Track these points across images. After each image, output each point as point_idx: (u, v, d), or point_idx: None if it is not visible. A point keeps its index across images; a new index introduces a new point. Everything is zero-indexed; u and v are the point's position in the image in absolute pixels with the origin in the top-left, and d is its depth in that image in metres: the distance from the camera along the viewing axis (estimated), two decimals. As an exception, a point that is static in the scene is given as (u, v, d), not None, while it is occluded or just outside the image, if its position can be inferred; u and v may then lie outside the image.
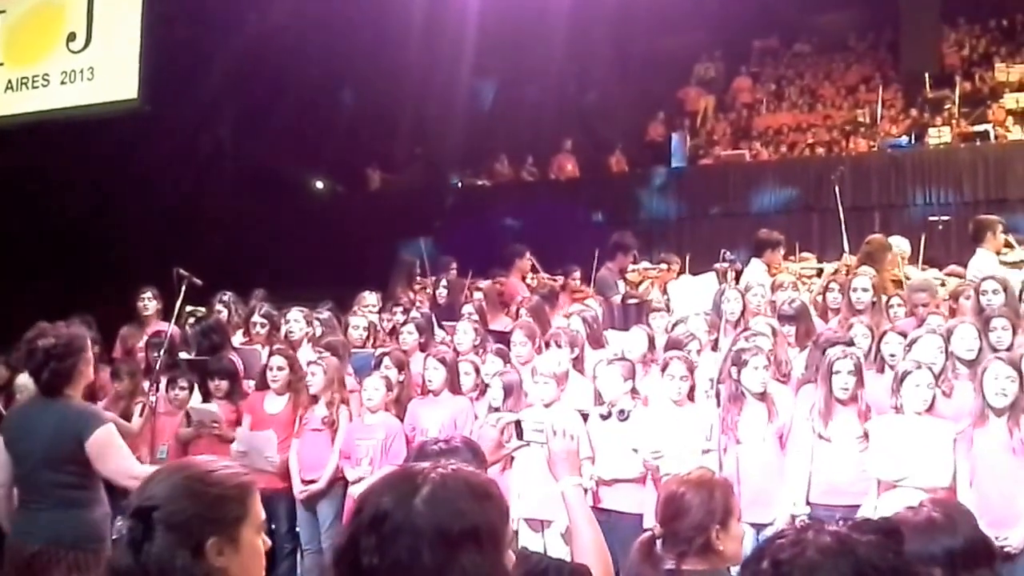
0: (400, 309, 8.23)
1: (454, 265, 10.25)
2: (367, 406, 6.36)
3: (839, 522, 1.61)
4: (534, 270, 10.33)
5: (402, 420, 6.44)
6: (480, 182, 16.79)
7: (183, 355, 7.27)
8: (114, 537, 2.01)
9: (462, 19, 13.79)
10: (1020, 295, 6.63)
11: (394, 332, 7.78)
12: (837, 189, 10.24)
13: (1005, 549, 4.90)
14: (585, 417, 6.01)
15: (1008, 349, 5.66)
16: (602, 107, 16.72)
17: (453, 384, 6.52)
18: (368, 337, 7.69)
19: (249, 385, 7.02)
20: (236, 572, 1.98)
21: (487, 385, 6.40)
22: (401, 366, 6.73)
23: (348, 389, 6.70)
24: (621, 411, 5.90)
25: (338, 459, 6.40)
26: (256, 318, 7.71)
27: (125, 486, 4.00)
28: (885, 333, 6.20)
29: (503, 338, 7.19)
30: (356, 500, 1.74)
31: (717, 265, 7.83)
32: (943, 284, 8.62)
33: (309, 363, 6.63)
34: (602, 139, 16.80)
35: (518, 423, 3.09)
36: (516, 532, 5.81)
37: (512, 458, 5.69)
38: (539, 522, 5.84)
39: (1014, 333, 5.92)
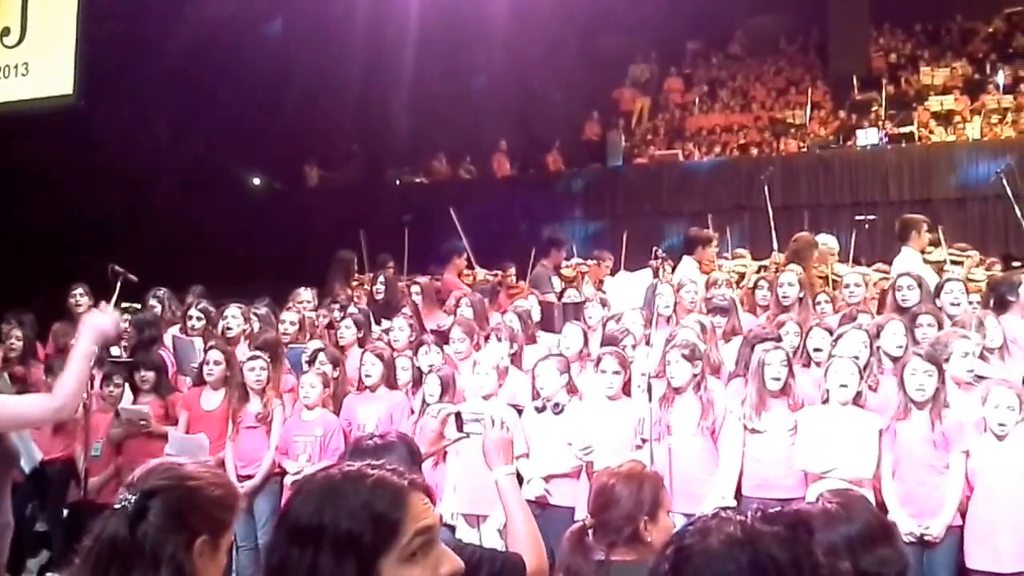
0: (337, 305, 8.23)
1: (391, 262, 10.26)
2: (304, 402, 6.35)
3: (753, 512, 1.60)
4: (470, 267, 10.38)
5: (338, 415, 6.44)
6: (418, 180, 16.80)
7: (114, 352, 7.19)
8: (115, 506, 2.03)
9: (403, 18, 13.79)
10: (938, 292, 6.85)
11: (331, 327, 7.79)
12: (767, 189, 10.47)
13: (927, 538, 5.08)
14: (520, 412, 6.05)
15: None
16: (539, 107, 16.82)
17: (390, 379, 6.54)
18: (299, 332, 7.68)
19: (184, 380, 6.97)
20: None
21: (423, 380, 6.42)
22: (336, 362, 6.74)
23: (289, 387, 6.69)
24: (556, 405, 5.93)
25: (275, 455, 6.40)
26: (193, 311, 7.71)
27: (28, 421, 3.95)
28: (811, 329, 6.33)
29: (440, 335, 7.23)
30: (283, 505, 1.74)
31: (652, 262, 7.96)
32: (868, 281, 8.87)
33: (246, 359, 6.61)
34: (539, 138, 16.93)
35: (458, 415, 3.13)
36: (453, 527, 5.85)
37: (446, 453, 5.73)
38: (475, 517, 5.87)
39: (939, 329, 6.10)
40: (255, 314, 7.73)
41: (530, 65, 16.31)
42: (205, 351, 6.89)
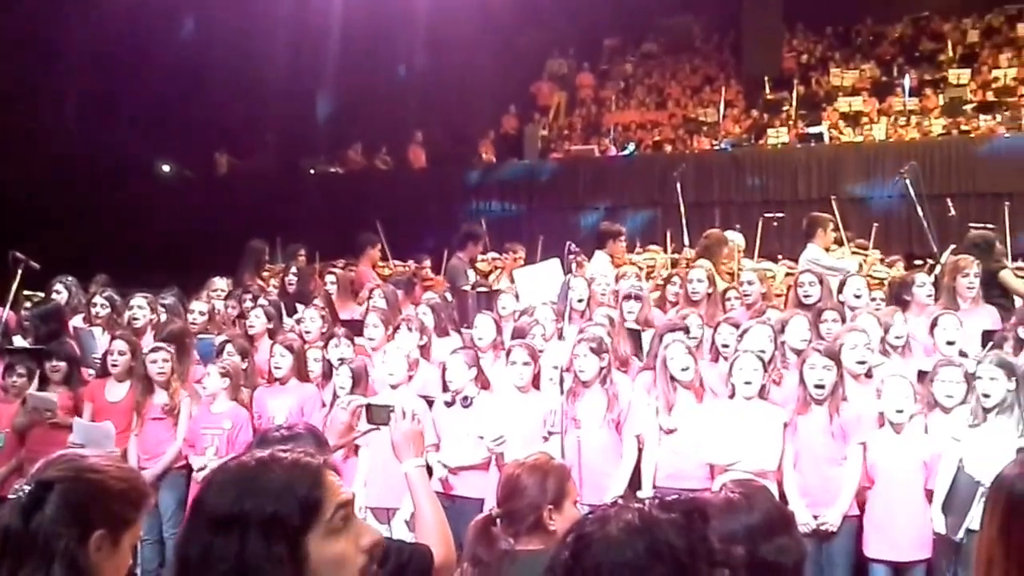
0: (249, 296, 8.09)
1: (303, 252, 10.14)
2: (209, 394, 6.24)
3: (652, 500, 1.64)
4: (384, 258, 10.32)
5: (248, 408, 6.35)
6: (333, 170, 16.63)
7: (18, 341, 6.96)
8: (10, 496, 1.97)
9: (323, 8, 13.63)
10: (840, 288, 7.04)
11: (241, 318, 7.66)
12: (679, 185, 10.62)
13: (824, 527, 5.22)
14: (430, 404, 6.05)
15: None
16: (458, 99, 16.80)
17: (300, 372, 6.46)
18: (209, 322, 7.53)
19: (88, 372, 6.78)
20: (106, 573, 1.96)
21: (335, 373, 6.36)
22: (245, 353, 6.64)
23: (192, 376, 6.56)
24: (465, 398, 5.95)
25: (182, 448, 6.28)
26: (97, 299, 7.50)
27: None
28: (719, 324, 6.46)
29: (353, 325, 7.17)
30: (196, 497, 1.74)
31: (569, 256, 8.00)
32: (774, 277, 9.08)
33: (149, 350, 6.46)
34: (457, 131, 16.91)
35: (369, 407, 3.12)
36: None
37: (356, 446, 5.72)
38: (384, 510, 5.85)
39: (842, 324, 6.27)
40: (162, 304, 7.56)
41: (449, 57, 16.28)
42: (110, 341, 6.71)
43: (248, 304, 7.74)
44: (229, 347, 6.63)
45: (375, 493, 5.84)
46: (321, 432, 3.15)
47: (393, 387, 6.03)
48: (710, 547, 1.60)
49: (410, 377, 6.16)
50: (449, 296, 8.15)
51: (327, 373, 6.54)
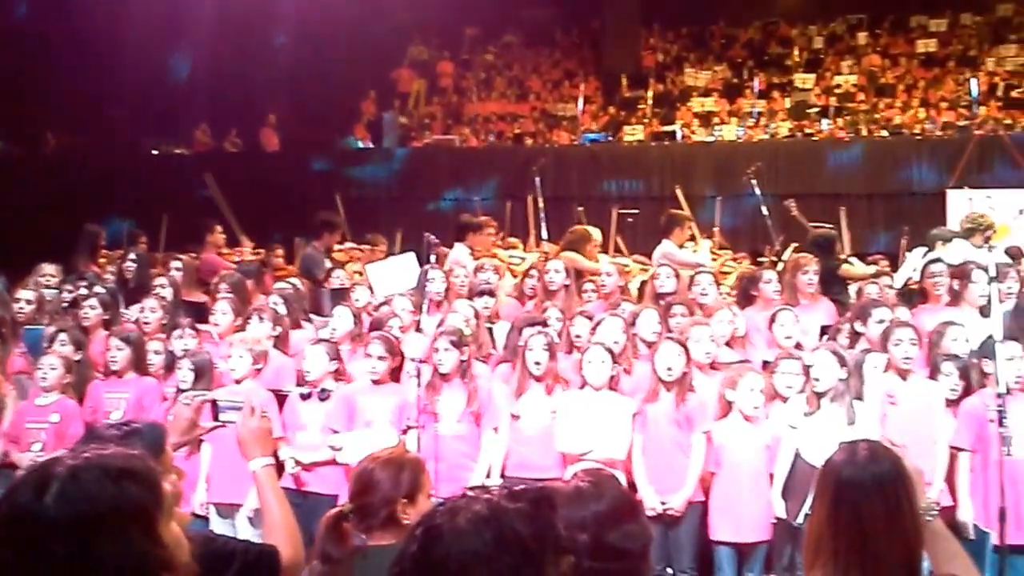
0: (84, 283, 7.64)
1: (144, 238, 9.71)
2: (41, 386, 5.90)
3: (500, 491, 1.67)
4: (231, 245, 9.96)
5: (82, 402, 6.01)
6: (178, 150, 15.98)
7: None
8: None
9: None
10: (690, 284, 7.22)
11: (75, 306, 7.21)
12: (538, 179, 10.68)
13: (670, 512, 5.39)
14: (282, 398, 5.89)
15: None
16: (315, 83, 16.40)
17: (139, 364, 6.17)
18: (37, 311, 7.09)
19: None
20: None
21: (177, 366, 6.10)
22: (79, 344, 6.28)
23: (17, 368, 6.17)
24: (322, 391, 5.85)
25: (3, 444, 5.88)
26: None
27: None
28: (575, 316, 6.54)
29: (199, 316, 6.90)
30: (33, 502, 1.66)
31: (427, 247, 7.90)
32: (630, 271, 9.24)
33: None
34: (312, 115, 16.49)
35: (214, 402, 3.03)
36: (205, 518, 5.62)
37: (200, 442, 5.53)
38: (228, 506, 5.70)
39: (690, 315, 6.43)
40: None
41: (307, 38, 15.89)
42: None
43: (83, 292, 7.31)
44: (62, 336, 6.25)
45: (219, 489, 5.68)
46: (159, 428, 3.01)
47: (238, 381, 5.83)
48: (556, 535, 1.64)
49: (258, 370, 5.95)
50: (301, 286, 7.94)
51: (170, 366, 6.26)
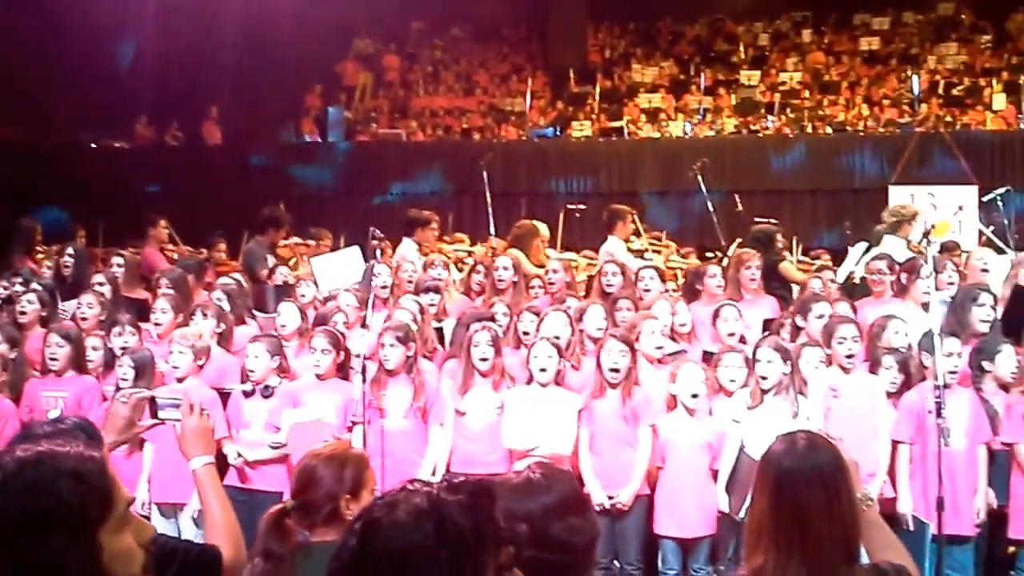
0: (19, 279, 7.46)
1: (83, 232, 9.52)
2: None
3: (440, 483, 1.68)
4: (172, 241, 9.81)
5: (17, 402, 5.87)
6: (119, 144, 15.69)
7: None
8: None
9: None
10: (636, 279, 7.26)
11: (10, 303, 7.03)
12: (486, 174, 10.66)
13: (617, 506, 5.41)
14: (226, 396, 5.82)
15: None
16: (259, 76, 16.19)
17: (78, 362, 6.04)
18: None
19: None
20: None
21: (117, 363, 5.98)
22: (14, 342, 6.13)
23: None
24: (266, 387, 5.79)
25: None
26: None
27: None
28: (522, 311, 6.55)
29: (141, 313, 6.78)
30: None
31: (372, 242, 7.85)
32: (577, 267, 9.27)
33: None
34: (256, 108, 16.28)
35: (152, 400, 2.98)
36: (147, 517, 5.54)
37: (142, 441, 5.45)
38: (171, 506, 5.64)
39: (635, 312, 6.46)
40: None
41: (250, 29, 15.67)
42: None
43: (18, 289, 7.14)
44: (-4, 334, 6.10)
45: (161, 488, 5.62)
46: (93, 426, 2.96)
47: (180, 379, 5.75)
48: (496, 526, 1.65)
49: (201, 367, 5.87)
50: (244, 282, 7.84)
51: (109, 363, 6.14)
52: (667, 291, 7.51)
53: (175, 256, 9.41)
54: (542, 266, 8.45)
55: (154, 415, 2.97)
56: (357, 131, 16.64)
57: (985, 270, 7.22)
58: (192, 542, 2.75)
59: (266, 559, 2.88)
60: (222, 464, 5.56)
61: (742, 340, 6.22)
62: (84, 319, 6.58)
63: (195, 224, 10.81)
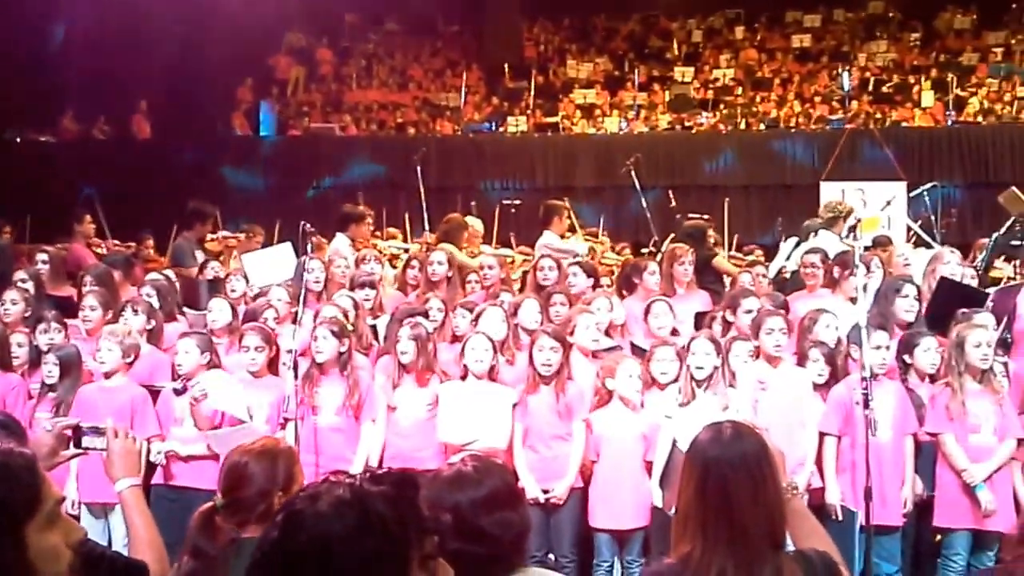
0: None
1: (8, 229, 9.29)
2: None
3: (362, 474, 1.68)
4: (100, 236, 9.61)
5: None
6: (43, 139, 15.32)
7: None
8: None
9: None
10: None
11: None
12: (419, 169, 10.63)
13: (552, 500, 5.44)
14: (155, 393, 5.72)
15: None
16: (189, 68, 15.90)
17: (2, 359, 5.89)
18: None
19: None
20: None
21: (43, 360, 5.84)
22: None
23: None
24: (196, 385, 5.67)
25: None
26: None
27: None
28: (456, 306, 6.54)
29: (69, 310, 6.62)
30: None
31: (304, 237, 7.77)
32: (512, 261, 9.29)
33: None
34: (186, 102, 15.99)
35: (76, 427, 2.91)
36: (76, 517, 5.43)
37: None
38: (100, 506, 5.54)
39: (570, 306, 6.47)
40: None
41: (181, 23, 15.39)
42: None
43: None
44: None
45: (90, 488, 5.48)
46: (17, 423, 2.92)
47: (107, 375, 5.65)
48: (419, 516, 1.66)
49: (130, 364, 5.75)
50: (173, 277, 7.71)
51: (35, 360, 5.99)
52: (601, 286, 7.55)
53: (103, 252, 9.22)
54: (473, 258, 8.45)
55: (77, 444, 2.91)
56: (289, 125, 16.46)
57: (907, 265, 7.40)
58: (120, 554, 2.75)
59: (195, 558, 2.86)
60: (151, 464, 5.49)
61: (674, 333, 6.28)
62: (8, 316, 6.40)
63: (124, 219, 10.59)
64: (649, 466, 5.42)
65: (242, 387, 5.59)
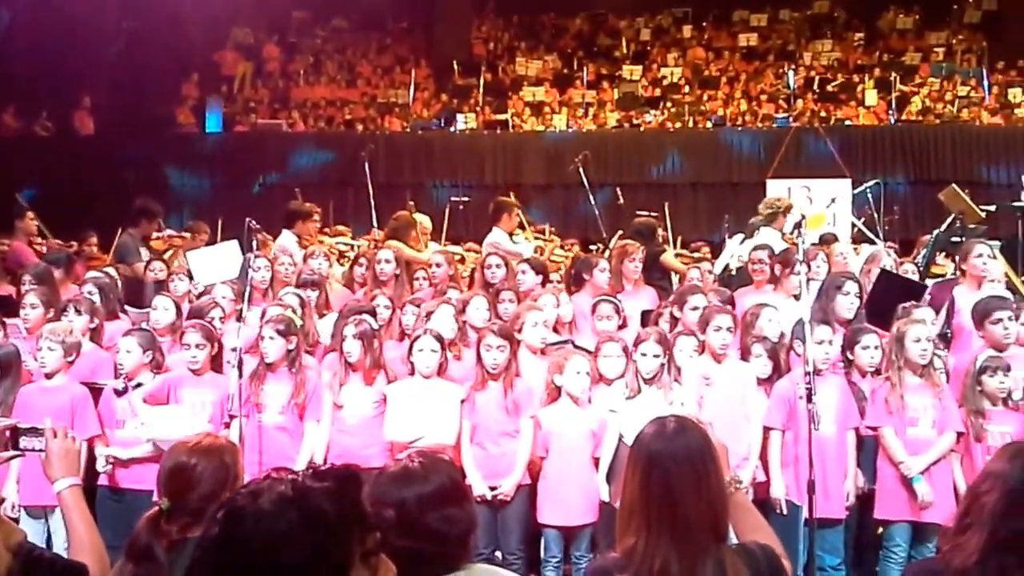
0: None
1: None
2: None
3: (305, 471, 1.68)
4: (41, 234, 9.43)
5: None
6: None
7: None
8: None
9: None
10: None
11: None
12: (367, 166, 10.57)
13: (500, 497, 5.44)
14: (98, 392, 5.63)
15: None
16: (134, 64, 15.65)
17: (-63, 359, 5.75)
18: None
19: None
20: None
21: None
22: None
23: None
24: (138, 385, 5.62)
25: None
26: None
27: None
28: (405, 304, 6.52)
29: (8, 309, 6.49)
30: None
31: (249, 234, 7.69)
32: (462, 259, 9.27)
33: None
34: (131, 97, 15.73)
35: (14, 429, 2.88)
36: (16, 520, 5.32)
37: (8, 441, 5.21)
38: (40, 508, 5.43)
39: (518, 303, 6.48)
40: None
41: (127, 17, 15.14)
42: None
43: None
44: None
45: (30, 490, 5.38)
46: None
47: (49, 375, 5.54)
48: (361, 512, 1.66)
49: (71, 363, 5.65)
50: (115, 275, 7.58)
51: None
52: (551, 282, 7.57)
53: (44, 250, 9.04)
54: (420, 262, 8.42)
55: (15, 445, 2.88)
56: (236, 121, 16.28)
57: (845, 263, 7.52)
58: (59, 556, 2.71)
59: (137, 563, 2.78)
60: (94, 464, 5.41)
61: (622, 327, 6.31)
62: (-58, 315, 6.25)
63: (66, 216, 10.40)
64: (597, 462, 5.45)
65: (186, 417, 5.45)
